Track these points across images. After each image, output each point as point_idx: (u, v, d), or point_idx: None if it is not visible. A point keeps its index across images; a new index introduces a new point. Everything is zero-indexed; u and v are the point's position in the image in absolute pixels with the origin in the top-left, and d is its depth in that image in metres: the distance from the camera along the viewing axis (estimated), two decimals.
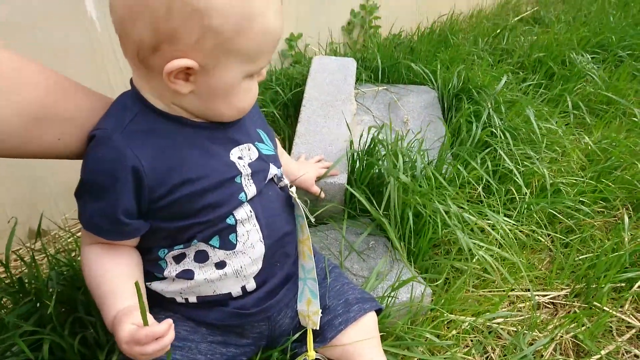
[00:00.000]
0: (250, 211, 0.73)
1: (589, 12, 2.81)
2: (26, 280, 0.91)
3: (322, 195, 1.14)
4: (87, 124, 0.66)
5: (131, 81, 0.69)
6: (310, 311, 0.81)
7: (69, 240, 1.19)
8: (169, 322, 0.61)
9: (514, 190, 1.36)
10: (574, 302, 1.16)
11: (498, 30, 2.46)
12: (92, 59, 1.23)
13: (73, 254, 1.07)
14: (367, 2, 2.24)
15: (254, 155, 0.75)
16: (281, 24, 0.65)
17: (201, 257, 0.72)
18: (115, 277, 0.67)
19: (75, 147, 0.67)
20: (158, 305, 0.76)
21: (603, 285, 1.14)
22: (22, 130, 0.61)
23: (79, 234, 1.29)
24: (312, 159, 1.20)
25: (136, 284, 0.56)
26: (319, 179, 1.15)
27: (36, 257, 1.15)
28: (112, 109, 0.68)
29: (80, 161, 0.67)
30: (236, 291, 0.75)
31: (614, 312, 1.12)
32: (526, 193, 1.36)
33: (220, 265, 0.73)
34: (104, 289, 0.66)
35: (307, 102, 1.45)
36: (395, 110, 1.65)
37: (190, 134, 0.68)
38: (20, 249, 1.21)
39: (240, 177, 0.72)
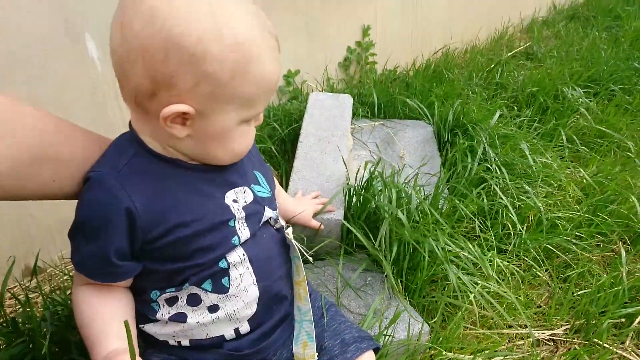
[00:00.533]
0: (243, 254, 0.72)
1: (581, 47, 2.87)
2: (20, 320, 0.90)
3: (322, 227, 1.15)
4: (83, 165, 0.67)
5: (130, 123, 0.70)
6: (306, 354, 0.80)
7: (65, 277, 1.18)
8: None
9: (510, 225, 1.36)
10: (574, 338, 1.14)
11: (492, 65, 2.51)
12: (92, 98, 1.25)
13: (68, 292, 1.06)
14: (363, 39, 2.29)
15: (249, 198, 0.75)
16: (278, 69, 0.65)
17: (194, 300, 0.72)
18: (106, 318, 0.67)
19: (71, 188, 0.68)
20: (152, 346, 0.76)
21: (603, 322, 1.13)
22: (17, 172, 0.61)
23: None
24: (309, 195, 1.21)
25: (125, 323, 0.55)
26: (315, 215, 1.15)
27: (31, 296, 1.14)
28: (109, 151, 0.69)
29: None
30: (229, 334, 0.74)
31: (615, 349, 1.10)
32: (522, 229, 1.36)
33: (213, 308, 0.72)
34: (93, 330, 0.66)
35: (304, 138, 1.47)
36: (392, 145, 1.67)
37: (185, 176, 0.69)
38: (15, 286, 1.20)
39: (234, 220, 0.72)
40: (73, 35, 1.17)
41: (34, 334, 0.85)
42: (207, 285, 0.71)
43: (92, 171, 0.66)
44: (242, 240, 0.72)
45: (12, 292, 1.04)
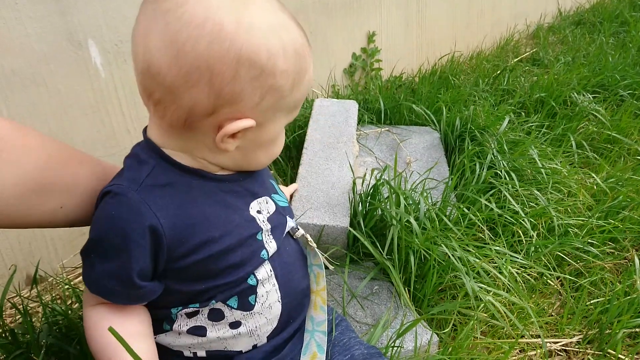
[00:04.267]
0: (271, 270, 0.70)
1: (588, 52, 2.85)
2: (19, 332, 0.88)
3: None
4: (87, 191, 0.65)
5: (144, 132, 0.66)
6: None
7: (66, 287, 1.16)
8: None
9: (521, 233, 1.34)
10: (587, 349, 1.11)
11: (498, 72, 2.49)
12: (95, 105, 1.24)
13: (69, 302, 1.04)
14: (368, 46, 2.28)
15: (272, 208, 0.73)
16: None
17: (216, 316, 0.68)
18: (125, 339, 0.61)
19: (75, 214, 0.66)
20: (165, 357, 0.72)
21: (617, 331, 1.10)
22: (24, 200, 0.59)
23: (76, 280, 1.27)
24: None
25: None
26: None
27: (32, 305, 1.13)
28: (127, 165, 0.65)
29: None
30: (246, 349, 0.71)
31: None
32: (532, 235, 1.33)
33: (235, 325, 0.69)
34: (112, 354, 0.60)
35: (309, 144, 1.45)
36: (398, 152, 1.64)
37: (210, 187, 0.66)
38: (16, 296, 1.18)
39: (261, 233, 0.69)
40: (76, 42, 1.16)
41: (32, 347, 0.83)
42: (233, 302, 0.67)
43: (111, 184, 0.62)
44: (270, 254, 0.70)
45: (12, 301, 1.02)
